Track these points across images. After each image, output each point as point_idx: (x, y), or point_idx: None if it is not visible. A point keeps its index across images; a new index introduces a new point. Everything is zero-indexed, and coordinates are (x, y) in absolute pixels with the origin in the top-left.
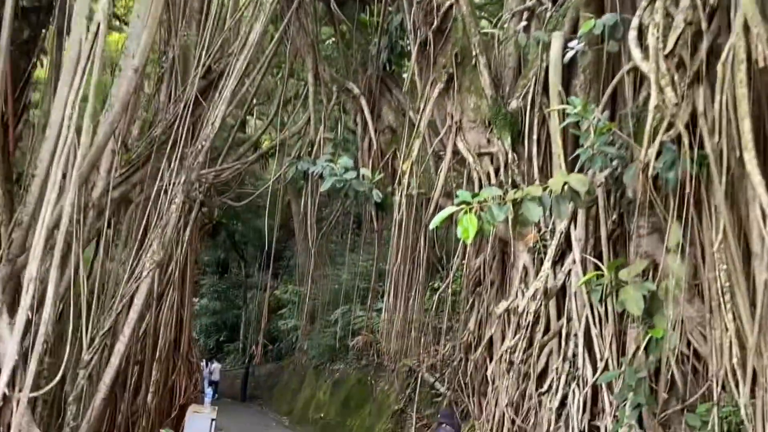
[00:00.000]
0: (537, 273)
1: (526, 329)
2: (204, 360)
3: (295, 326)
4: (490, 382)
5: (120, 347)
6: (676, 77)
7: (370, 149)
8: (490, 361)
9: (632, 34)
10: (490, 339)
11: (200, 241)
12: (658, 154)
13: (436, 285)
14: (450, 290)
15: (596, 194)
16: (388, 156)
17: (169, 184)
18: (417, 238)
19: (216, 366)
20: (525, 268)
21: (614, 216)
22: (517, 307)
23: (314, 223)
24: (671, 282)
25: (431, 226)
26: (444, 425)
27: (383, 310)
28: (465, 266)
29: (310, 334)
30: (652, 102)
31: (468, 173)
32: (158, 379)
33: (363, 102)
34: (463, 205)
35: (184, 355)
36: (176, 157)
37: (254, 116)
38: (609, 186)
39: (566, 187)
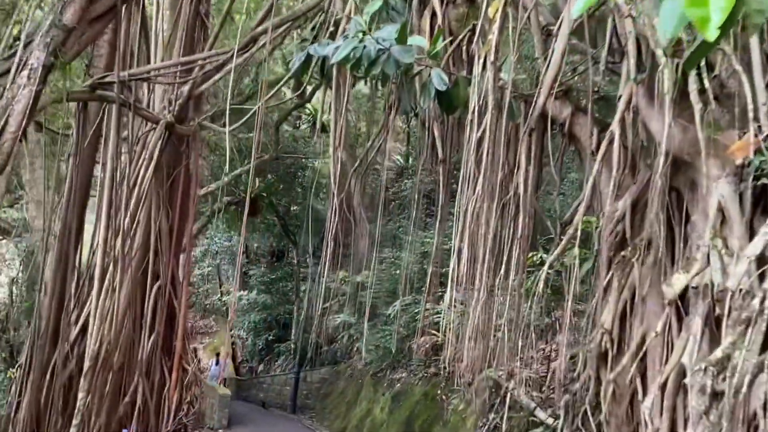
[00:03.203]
0: (750, 220)
1: (734, 329)
2: (215, 358)
3: (348, 323)
4: (647, 423)
5: None
6: None
7: (432, 28)
8: (644, 383)
9: None
10: (644, 345)
11: (235, 220)
12: None
13: (538, 257)
14: (570, 261)
15: None
16: (460, 39)
17: (19, 34)
18: (512, 169)
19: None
20: (723, 209)
21: None
22: (710, 284)
23: (341, 143)
24: None
25: (575, 13)
26: None
27: (448, 294)
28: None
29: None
30: None
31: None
32: (90, 402)
33: None
34: None
35: (177, 361)
36: None
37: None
38: None
39: None
